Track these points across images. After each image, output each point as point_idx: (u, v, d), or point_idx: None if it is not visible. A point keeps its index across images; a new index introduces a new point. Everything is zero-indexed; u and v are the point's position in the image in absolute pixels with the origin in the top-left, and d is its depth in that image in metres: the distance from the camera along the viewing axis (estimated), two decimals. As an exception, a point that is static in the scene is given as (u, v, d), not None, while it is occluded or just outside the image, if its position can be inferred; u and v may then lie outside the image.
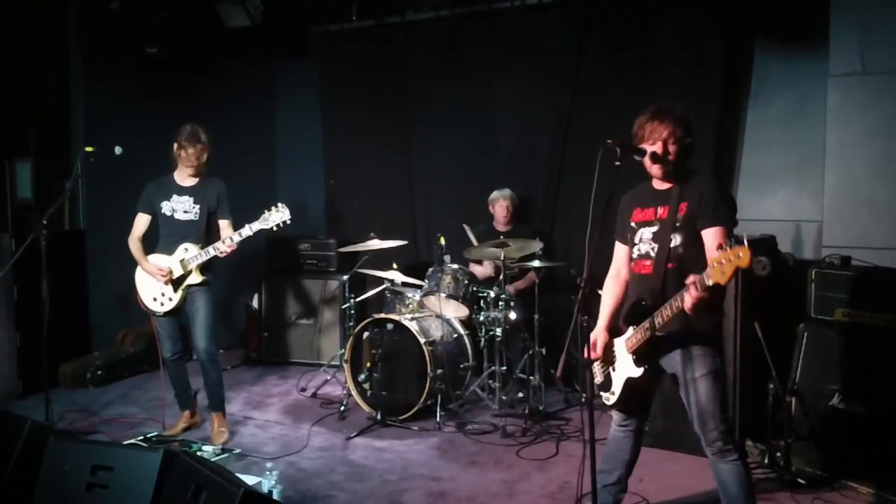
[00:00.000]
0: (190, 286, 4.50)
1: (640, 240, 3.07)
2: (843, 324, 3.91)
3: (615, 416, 3.22)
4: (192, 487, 2.80)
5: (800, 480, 3.84)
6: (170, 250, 4.52)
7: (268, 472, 3.69)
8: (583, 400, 3.91)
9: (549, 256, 5.56)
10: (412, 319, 5.00)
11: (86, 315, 6.11)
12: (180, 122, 4.57)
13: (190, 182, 4.56)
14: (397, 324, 4.97)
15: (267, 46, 6.93)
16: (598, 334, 3.10)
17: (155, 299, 4.56)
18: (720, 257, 2.53)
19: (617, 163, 2.86)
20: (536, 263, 5.18)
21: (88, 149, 4.70)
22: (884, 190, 4.55)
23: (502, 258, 5.03)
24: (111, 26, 5.90)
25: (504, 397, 5.07)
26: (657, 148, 2.96)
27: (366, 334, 5.16)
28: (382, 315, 5.12)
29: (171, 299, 4.52)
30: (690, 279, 2.66)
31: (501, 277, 5.08)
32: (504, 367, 5.02)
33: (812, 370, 3.92)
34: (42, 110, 5.94)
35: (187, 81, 6.50)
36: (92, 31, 6.04)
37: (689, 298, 2.67)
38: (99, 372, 5.78)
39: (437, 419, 4.85)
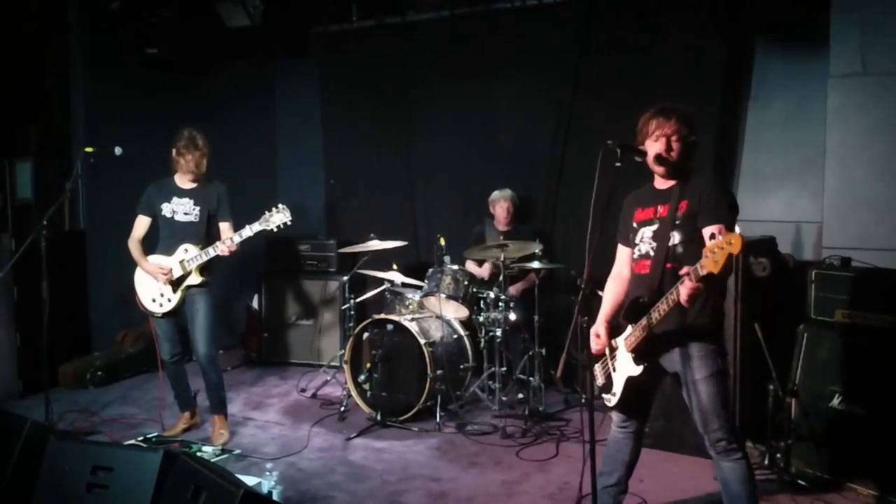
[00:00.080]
0: (189, 287, 4.50)
1: (641, 239, 3.07)
2: (844, 325, 3.90)
3: (615, 417, 3.22)
4: (191, 488, 2.79)
5: (800, 482, 3.84)
6: (169, 251, 4.52)
7: (268, 473, 3.69)
8: (583, 401, 3.92)
9: (550, 257, 5.57)
10: (412, 320, 5.00)
11: (86, 315, 6.11)
12: (180, 122, 4.57)
13: (190, 185, 4.57)
14: (397, 324, 4.97)
15: (267, 47, 6.94)
16: (599, 326, 3.11)
17: (154, 300, 4.55)
18: (712, 246, 2.53)
19: (617, 164, 2.86)
20: (536, 264, 5.18)
21: (88, 149, 4.70)
22: (884, 191, 4.55)
23: (502, 259, 5.03)
24: (111, 26, 5.89)
25: (504, 398, 5.07)
26: (661, 144, 2.96)
27: (366, 335, 5.16)
28: (382, 316, 5.12)
29: (169, 300, 4.52)
30: (684, 270, 2.67)
31: (502, 278, 5.08)
32: (504, 368, 5.02)
33: (812, 371, 3.92)
34: (42, 110, 5.94)
35: (187, 81, 6.50)
36: (92, 31, 6.04)
37: (683, 290, 2.67)
38: (99, 372, 5.78)
39: (437, 420, 4.85)
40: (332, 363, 5.99)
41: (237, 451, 4.41)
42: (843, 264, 4.10)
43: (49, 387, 4.60)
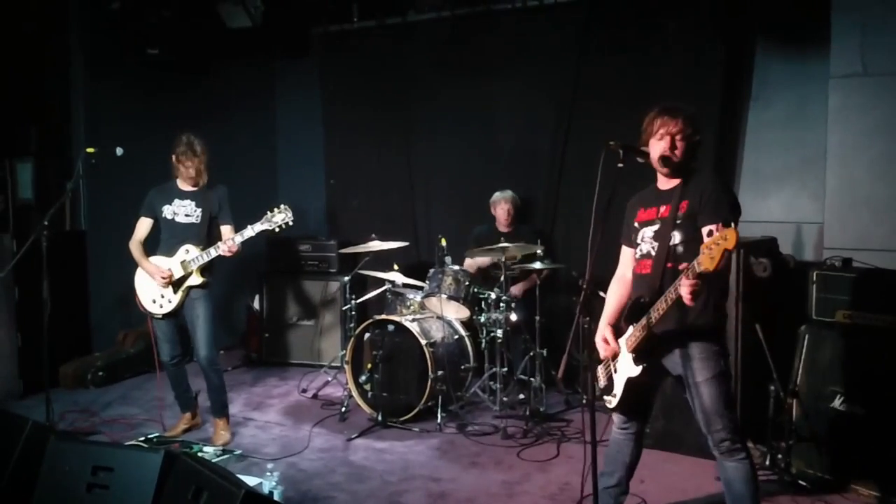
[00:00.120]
0: (190, 287, 4.50)
1: (643, 239, 3.08)
2: (844, 325, 3.90)
3: (616, 418, 3.22)
4: (192, 488, 2.79)
5: (801, 482, 3.83)
6: (170, 253, 4.52)
7: (268, 473, 3.69)
8: (584, 402, 3.92)
9: (550, 257, 5.56)
10: (413, 320, 5.00)
11: (86, 315, 6.11)
12: (181, 123, 4.59)
13: (192, 187, 4.57)
14: (398, 325, 4.97)
15: (268, 47, 6.94)
16: (604, 330, 3.10)
17: (154, 301, 4.55)
18: (709, 243, 2.54)
19: (619, 164, 2.87)
20: (537, 265, 5.18)
21: (89, 149, 4.71)
22: (884, 191, 4.55)
23: (503, 260, 5.03)
24: (112, 26, 5.89)
25: (505, 399, 5.06)
26: (665, 143, 2.96)
27: (367, 335, 5.17)
28: (383, 316, 5.12)
29: (170, 301, 4.52)
30: (682, 266, 2.66)
31: (503, 279, 5.08)
32: (505, 369, 5.02)
33: (813, 372, 3.91)
34: (43, 111, 5.94)
35: (188, 82, 6.50)
36: (93, 31, 6.04)
37: (684, 288, 2.67)
38: (99, 372, 5.78)
39: (438, 420, 4.85)
40: (333, 364, 5.99)
41: (238, 452, 4.41)
42: (844, 265, 4.10)
43: (49, 387, 4.60)
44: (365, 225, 6.27)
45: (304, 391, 5.70)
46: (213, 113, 6.35)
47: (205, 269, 4.51)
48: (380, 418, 4.85)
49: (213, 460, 4.10)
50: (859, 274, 3.97)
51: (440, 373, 4.86)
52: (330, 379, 5.74)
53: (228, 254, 4.38)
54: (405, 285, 5.41)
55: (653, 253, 3.01)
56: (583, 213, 5.18)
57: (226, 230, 4.57)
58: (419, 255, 6.53)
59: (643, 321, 2.91)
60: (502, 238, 5.47)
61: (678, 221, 2.94)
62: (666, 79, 5.49)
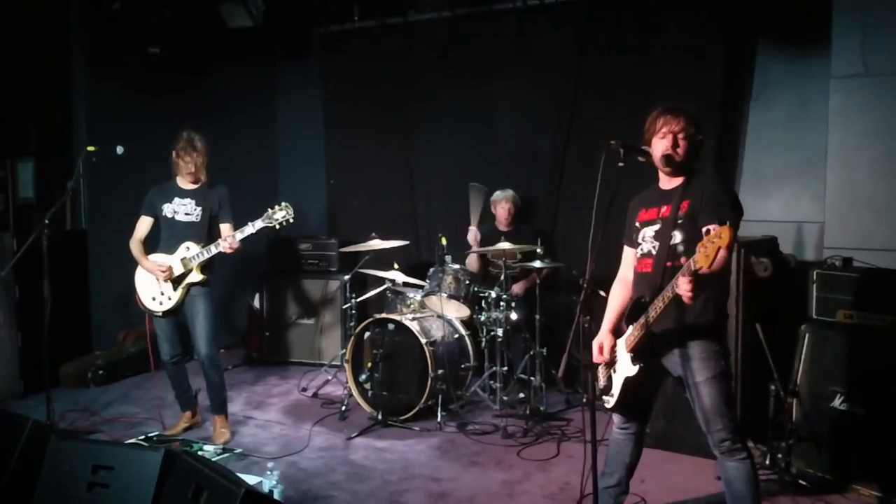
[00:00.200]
0: (190, 285, 4.50)
1: (644, 239, 3.08)
2: (845, 325, 3.90)
3: (616, 418, 3.22)
4: (192, 487, 2.79)
5: (801, 482, 3.83)
6: (170, 251, 4.52)
7: (269, 472, 3.69)
8: (584, 401, 3.92)
9: (551, 256, 5.57)
10: (413, 319, 5.00)
11: (87, 315, 6.11)
12: (182, 122, 4.58)
13: (192, 186, 4.57)
14: (398, 324, 4.97)
15: (268, 47, 6.94)
16: (603, 337, 3.10)
17: (154, 298, 4.55)
18: (704, 241, 2.55)
19: (620, 164, 2.87)
20: (538, 264, 5.18)
21: (90, 148, 4.71)
22: (885, 191, 4.55)
23: (504, 261, 5.04)
24: (112, 26, 5.90)
25: (505, 398, 5.07)
26: (667, 141, 2.96)
27: (367, 334, 5.17)
28: (384, 315, 5.12)
29: (170, 298, 4.52)
30: (682, 261, 2.66)
31: (503, 278, 5.09)
32: (505, 368, 5.02)
33: (813, 371, 3.91)
34: (43, 110, 5.95)
35: (189, 82, 6.50)
36: (93, 30, 6.04)
37: (679, 286, 2.67)
38: (100, 371, 5.79)
39: (438, 419, 4.85)
40: (334, 362, 5.99)
41: (238, 451, 4.41)
42: (845, 264, 4.10)
43: (50, 386, 4.59)
44: (365, 224, 6.28)
45: (305, 390, 5.70)
46: (213, 113, 6.35)
47: (205, 267, 4.51)
48: (380, 417, 4.85)
49: (214, 459, 4.09)
50: (860, 274, 3.97)
51: (440, 372, 4.86)
52: (330, 378, 5.75)
53: (229, 250, 4.37)
54: (405, 284, 5.41)
55: (653, 252, 3.01)
56: (583, 212, 5.17)
57: (225, 229, 4.57)
58: (419, 254, 6.53)
59: (641, 320, 2.91)
60: (503, 237, 5.48)
61: (679, 221, 2.94)
62: (666, 79, 5.48)
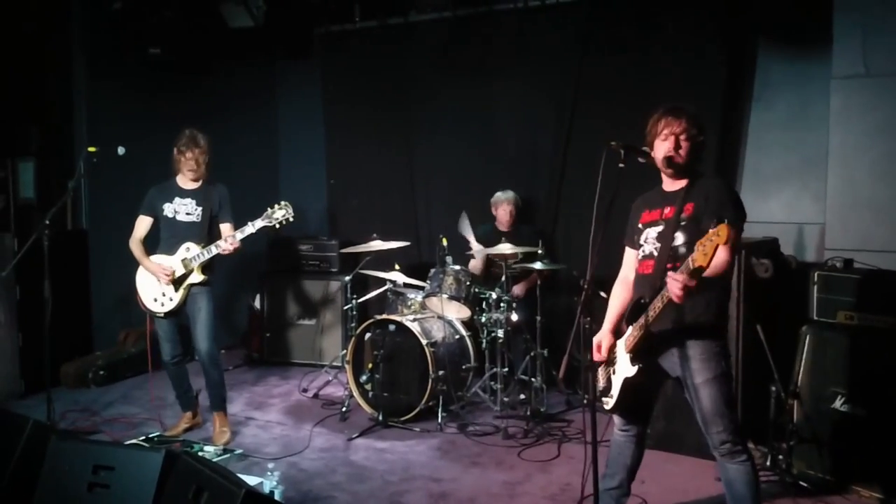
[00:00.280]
0: (191, 285, 4.50)
1: (646, 240, 3.08)
2: (846, 326, 3.90)
3: (617, 420, 3.21)
4: (193, 488, 2.79)
5: (802, 484, 3.83)
6: (171, 251, 4.52)
7: (269, 473, 3.69)
8: (585, 402, 3.92)
9: (551, 258, 5.56)
10: (414, 320, 5.00)
11: (88, 315, 6.11)
12: (182, 122, 4.58)
13: (192, 185, 4.57)
14: (399, 325, 4.97)
15: (269, 47, 6.94)
16: (603, 337, 3.10)
17: (155, 300, 4.55)
18: (703, 239, 2.55)
19: (621, 165, 2.87)
20: (538, 265, 5.18)
21: (91, 149, 4.70)
22: (886, 192, 4.55)
23: (505, 262, 5.03)
24: (113, 26, 5.89)
25: (506, 399, 5.06)
26: (669, 143, 2.95)
27: (368, 335, 5.17)
28: (384, 316, 5.12)
29: (171, 299, 4.52)
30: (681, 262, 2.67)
31: (504, 279, 5.08)
32: (506, 369, 5.02)
33: (814, 373, 3.91)
34: (44, 110, 5.94)
35: (189, 82, 6.50)
36: (94, 30, 6.04)
37: (673, 284, 2.67)
38: (101, 372, 5.79)
39: (439, 420, 4.85)
40: (334, 363, 5.99)
41: (239, 451, 4.41)
42: (846, 266, 4.09)
43: (51, 386, 4.59)
44: (366, 225, 6.27)
45: (305, 391, 5.70)
46: (214, 113, 6.34)
47: (206, 267, 4.51)
48: (380, 418, 4.85)
49: (214, 460, 4.10)
50: (861, 275, 3.97)
51: (441, 373, 4.86)
52: (331, 378, 5.75)
53: (230, 249, 4.37)
54: (406, 285, 5.41)
55: (655, 254, 3.01)
56: (584, 212, 5.17)
57: (226, 228, 4.57)
58: (420, 254, 6.53)
59: (640, 320, 2.91)
60: (503, 238, 5.47)
61: (682, 223, 2.94)
62: (667, 79, 5.49)
